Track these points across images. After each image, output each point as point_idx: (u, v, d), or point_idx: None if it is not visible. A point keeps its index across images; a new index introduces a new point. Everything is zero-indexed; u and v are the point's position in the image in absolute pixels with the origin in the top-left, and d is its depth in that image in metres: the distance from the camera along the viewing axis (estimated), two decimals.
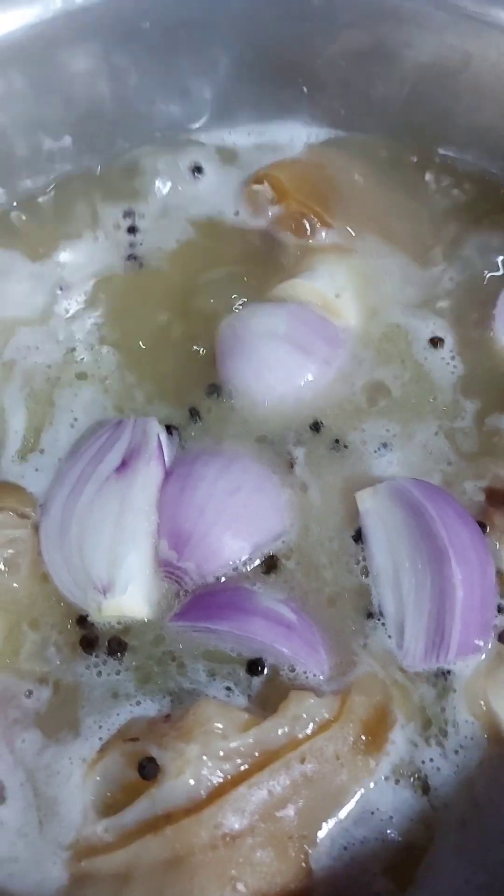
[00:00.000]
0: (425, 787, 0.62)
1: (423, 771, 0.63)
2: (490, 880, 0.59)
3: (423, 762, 0.63)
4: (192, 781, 0.58)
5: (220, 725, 0.60)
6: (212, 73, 0.83)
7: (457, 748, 0.63)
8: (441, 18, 0.74)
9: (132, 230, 0.86)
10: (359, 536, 0.69)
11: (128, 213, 0.87)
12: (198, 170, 0.88)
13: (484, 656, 0.65)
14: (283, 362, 0.76)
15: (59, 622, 0.67)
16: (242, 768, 0.59)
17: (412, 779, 0.62)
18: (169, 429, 0.74)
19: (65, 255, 0.85)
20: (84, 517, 0.68)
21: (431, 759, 0.63)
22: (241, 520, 0.69)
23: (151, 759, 0.58)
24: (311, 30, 0.78)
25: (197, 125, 0.88)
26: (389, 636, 0.66)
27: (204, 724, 0.60)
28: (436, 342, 0.78)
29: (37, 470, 0.74)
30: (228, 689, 0.64)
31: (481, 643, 0.64)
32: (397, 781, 0.62)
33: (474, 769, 0.62)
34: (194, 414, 0.75)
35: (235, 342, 0.77)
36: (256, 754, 0.59)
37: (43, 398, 0.77)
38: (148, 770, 0.58)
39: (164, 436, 0.72)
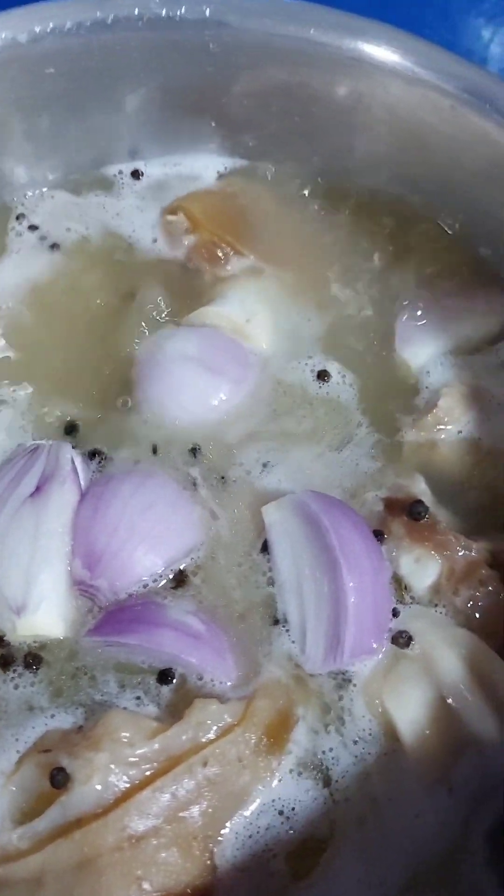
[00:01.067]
0: (326, 780, 0.65)
1: (324, 763, 0.65)
2: (383, 880, 0.61)
3: (323, 752, 0.66)
4: (99, 787, 0.60)
5: (127, 734, 0.62)
6: (120, 113, 0.85)
7: (355, 738, 0.66)
8: (330, 61, 0.78)
9: (54, 247, 0.89)
10: (265, 548, 0.72)
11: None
12: (114, 203, 0.91)
13: (380, 656, 0.67)
14: (195, 383, 0.80)
15: None
16: (148, 773, 0.61)
17: (314, 771, 0.65)
18: (91, 454, 0.76)
19: None
20: (0, 541, 0.71)
21: (331, 749, 0.66)
22: (153, 536, 0.71)
23: (62, 769, 0.61)
24: (213, 72, 0.81)
25: (106, 163, 0.91)
26: (293, 642, 0.69)
27: (112, 733, 0.62)
28: (322, 375, 0.82)
29: None
30: (138, 698, 0.67)
31: (375, 645, 0.67)
32: (300, 773, 0.65)
33: (372, 765, 0.65)
34: (114, 437, 0.78)
35: (151, 365, 0.80)
36: (162, 760, 0.62)
37: None
38: (58, 779, 0.60)
39: (79, 459, 0.75)
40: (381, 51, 0.77)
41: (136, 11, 0.76)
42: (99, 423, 0.80)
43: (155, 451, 0.77)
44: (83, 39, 0.77)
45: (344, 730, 0.67)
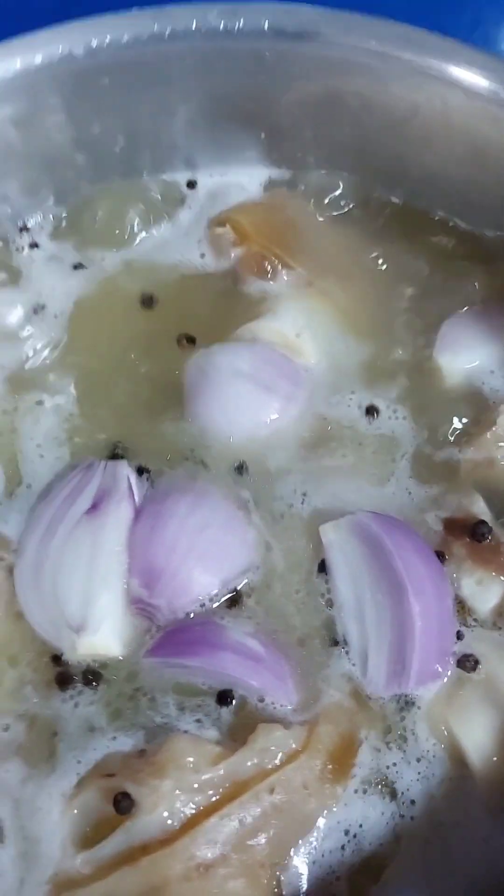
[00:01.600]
0: (392, 794, 0.64)
1: (388, 778, 0.65)
2: None
3: (387, 767, 0.65)
4: (166, 814, 0.59)
5: (191, 759, 0.61)
6: (171, 122, 0.85)
7: (419, 756, 0.65)
8: (386, 71, 0.77)
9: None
10: (323, 568, 0.71)
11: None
12: (164, 214, 0.90)
13: (444, 681, 0.67)
14: (248, 400, 0.78)
15: (35, 659, 0.69)
16: (214, 800, 0.60)
17: (379, 786, 0.64)
18: (139, 470, 0.75)
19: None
20: (57, 559, 0.69)
21: (395, 764, 0.65)
22: (210, 556, 0.70)
23: (126, 795, 0.60)
24: (266, 81, 0.80)
25: (156, 173, 0.90)
26: (353, 665, 0.68)
27: (176, 759, 0.61)
28: (371, 410, 0.80)
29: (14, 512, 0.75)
30: (199, 721, 0.66)
31: (441, 669, 0.66)
32: (365, 791, 0.64)
33: (436, 787, 0.64)
34: (163, 452, 0.77)
35: (202, 380, 0.79)
36: (227, 786, 0.61)
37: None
38: (123, 805, 0.60)
39: (133, 477, 0.74)
40: (440, 63, 0.76)
41: (195, 25, 0.75)
42: (145, 439, 0.79)
43: (202, 468, 0.76)
44: (139, 51, 0.76)
45: (406, 747, 0.66)
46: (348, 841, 0.63)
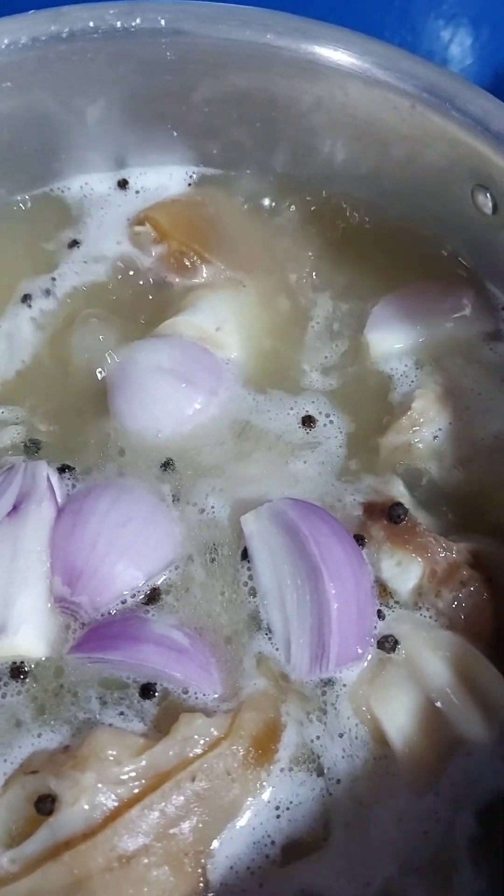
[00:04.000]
0: (319, 770, 0.65)
1: (314, 752, 0.65)
2: (368, 880, 0.61)
3: (311, 740, 0.65)
4: (87, 808, 0.59)
5: (114, 752, 0.61)
6: (81, 127, 0.85)
7: (341, 732, 0.65)
8: (286, 65, 0.77)
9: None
10: (245, 555, 0.71)
11: None
12: (80, 218, 0.91)
13: (366, 664, 0.67)
14: (169, 394, 0.79)
15: None
16: (136, 791, 0.60)
17: (306, 763, 0.65)
18: (62, 468, 0.75)
19: None
20: None
21: (318, 737, 0.65)
22: (132, 550, 0.70)
23: (47, 796, 0.60)
24: (170, 80, 0.81)
25: (70, 176, 0.90)
26: (277, 649, 0.68)
27: (98, 752, 0.61)
28: (308, 421, 0.80)
29: None
30: (122, 714, 0.66)
31: (361, 651, 0.67)
32: (291, 769, 0.64)
33: (359, 768, 0.65)
34: (88, 451, 0.77)
35: (122, 378, 0.80)
36: (150, 776, 0.61)
37: None
38: (43, 806, 0.59)
39: (55, 477, 0.74)
40: (338, 53, 0.76)
41: (91, 24, 0.75)
42: (67, 438, 0.79)
43: (127, 464, 0.76)
44: (39, 53, 0.76)
45: (327, 720, 0.66)
46: (278, 816, 0.63)
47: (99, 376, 0.81)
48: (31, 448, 0.78)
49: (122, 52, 0.78)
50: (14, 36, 0.74)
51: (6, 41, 0.74)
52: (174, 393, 0.79)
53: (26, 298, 0.87)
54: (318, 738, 0.66)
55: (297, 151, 0.87)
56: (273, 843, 0.62)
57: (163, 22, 0.76)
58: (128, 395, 0.79)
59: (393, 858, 0.62)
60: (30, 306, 0.86)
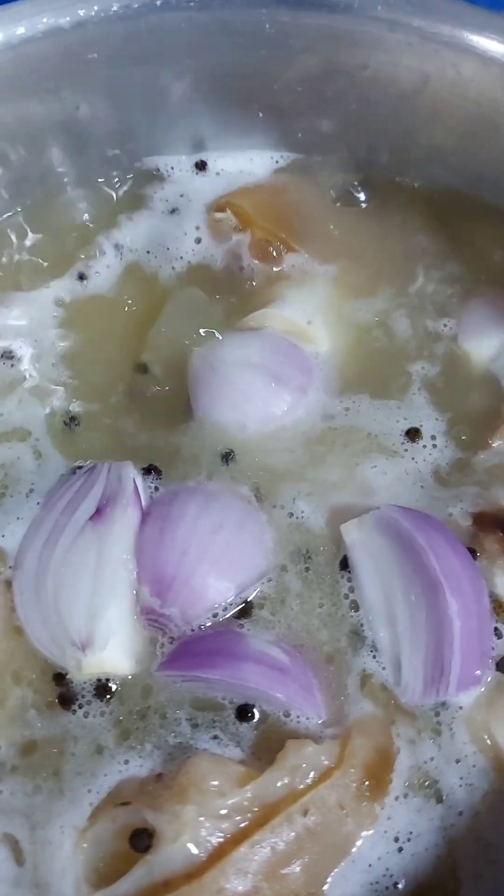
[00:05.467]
0: (438, 796, 0.60)
1: (430, 775, 0.60)
2: None
3: (425, 761, 0.60)
4: (190, 844, 0.54)
5: (216, 783, 0.56)
6: (165, 104, 0.79)
7: (458, 758, 0.60)
8: (396, 41, 0.72)
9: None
10: (344, 566, 0.66)
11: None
12: (160, 200, 0.85)
13: (482, 688, 0.62)
14: (258, 392, 0.73)
15: (37, 679, 0.63)
16: (242, 826, 0.55)
17: (423, 789, 0.60)
18: (147, 469, 0.70)
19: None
20: (59, 570, 0.64)
21: (432, 759, 0.60)
22: (225, 559, 0.65)
23: (143, 830, 0.54)
24: (266, 56, 0.75)
25: (150, 154, 0.85)
26: (384, 669, 0.62)
27: (198, 782, 0.56)
28: (414, 434, 0.74)
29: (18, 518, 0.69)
30: (216, 738, 0.60)
31: (480, 673, 0.61)
32: (406, 795, 0.59)
33: (480, 802, 0.59)
34: (169, 450, 0.72)
35: (208, 373, 0.74)
36: (256, 809, 0.56)
37: None
38: (140, 843, 0.54)
39: (139, 479, 0.68)
40: (453, 28, 0.71)
41: None
42: (151, 438, 0.74)
43: (214, 465, 0.71)
44: (130, 22, 0.71)
45: (441, 743, 0.61)
46: (399, 850, 0.58)
47: (182, 368, 0.76)
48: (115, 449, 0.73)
49: (217, 23, 0.72)
50: (105, 3, 0.69)
51: (96, 7, 0.69)
52: (263, 391, 0.74)
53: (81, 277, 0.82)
54: (431, 759, 0.60)
55: (394, 135, 0.81)
56: (395, 883, 0.57)
57: None
58: (213, 392, 0.74)
59: None
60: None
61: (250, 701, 0.61)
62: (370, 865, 0.57)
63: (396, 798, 0.59)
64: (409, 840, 0.58)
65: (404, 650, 0.62)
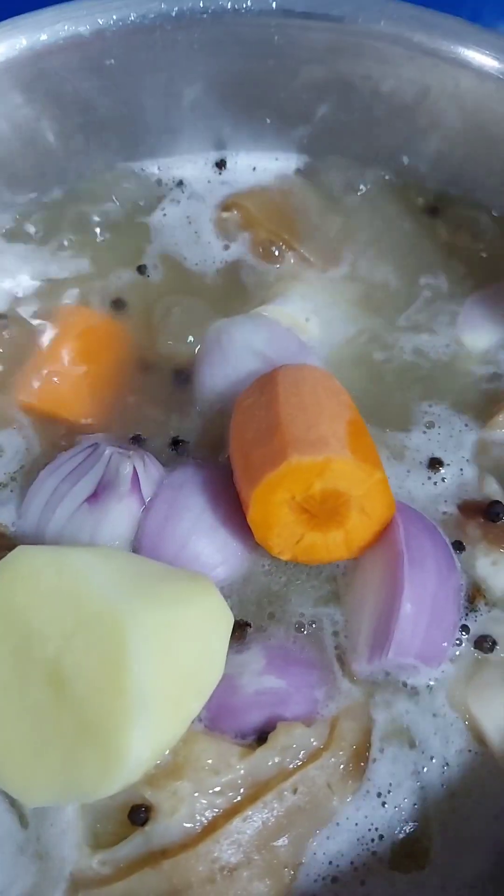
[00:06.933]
0: (411, 742, 0.62)
1: (404, 725, 0.62)
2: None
3: (401, 714, 0.63)
4: (186, 818, 0.56)
5: (210, 761, 0.57)
6: (176, 108, 0.80)
7: (435, 713, 0.63)
8: (398, 54, 0.72)
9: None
10: None
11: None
12: (168, 200, 0.86)
13: (441, 666, 0.63)
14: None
15: None
16: (235, 801, 0.57)
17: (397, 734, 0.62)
18: (173, 442, 0.72)
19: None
20: (57, 538, 0.65)
21: (408, 712, 0.63)
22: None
23: (140, 806, 0.56)
24: (274, 66, 0.76)
25: (162, 157, 0.85)
26: (346, 637, 0.64)
27: (194, 760, 0.57)
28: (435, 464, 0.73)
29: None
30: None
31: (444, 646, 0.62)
32: (381, 750, 0.61)
33: (454, 756, 0.62)
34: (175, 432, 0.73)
35: (215, 349, 0.75)
36: (248, 786, 0.58)
37: None
38: (138, 817, 0.56)
39: (142, 463, 0.68)
40: (454, 44, 0.72)
41: (202, 4, 0.70)
42: (158, 422, 0.75)
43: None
44: (146, 32, 0.71)
45: (419, 701, 0.63)
46: (382, 804, 0.60)
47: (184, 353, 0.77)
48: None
49: (228, 34, 0.73)
50: (123, 12, 0.70)
51: (115, 17, 0.69)
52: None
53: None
54: (407, 713, 0.62)
55: (395, 143, 0.81)
56: (380, 836, 0.59)
57: (274, 4, 0.71)
58: (215, 367, 0.74)
59: (487, 856, 0.59)
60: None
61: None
62: (356, 825, 0.59)
63: (374, 760, 0.61)
64: (389, 792, 0.60)
65: (363, 621, 0.63)
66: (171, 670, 0.54)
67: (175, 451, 0.72)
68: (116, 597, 0.53)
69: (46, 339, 0.77)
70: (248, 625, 0.65)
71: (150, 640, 0.52)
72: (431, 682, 0.63)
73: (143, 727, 0.51)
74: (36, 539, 0.66)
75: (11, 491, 0.71)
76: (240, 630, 0.64)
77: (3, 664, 0.54)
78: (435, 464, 0.71)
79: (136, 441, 0.72)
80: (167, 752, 0.58)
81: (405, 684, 0.63)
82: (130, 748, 0.50)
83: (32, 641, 0.53)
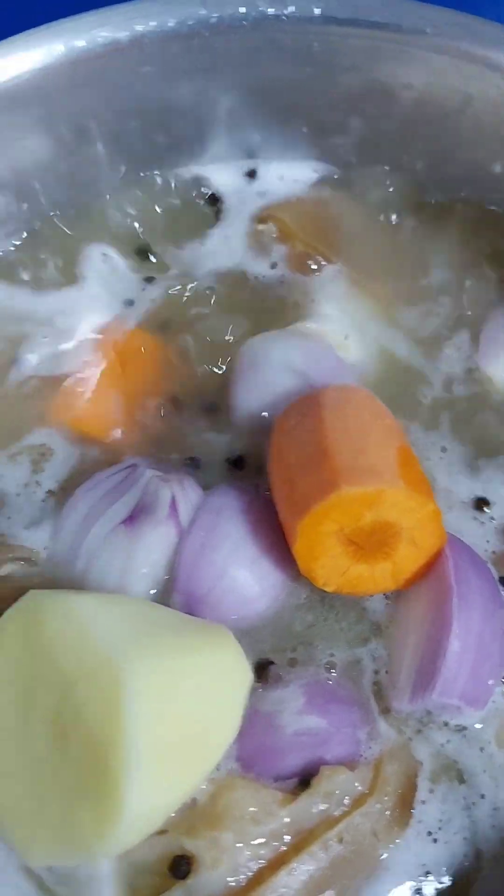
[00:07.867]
0: (460, 777, 0.58)
1: (449, 757, 0.59)
2: None
3: (442, 745, 0.59)
4: (229, 871, 0.52)
5: (252, 808, 0.53)
6: (212, 117, 0.76)
7: (482, 746, 0.59)
8: (441, 62, 0.68)
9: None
10: None
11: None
12: (204, 208, 0.82)
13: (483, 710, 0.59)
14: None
15: None
16: (279, 851, 0.53)
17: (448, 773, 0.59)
18: (235, 461, 0.69)
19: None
20: (91, 557, 0.62)
21: (448, 742, 0.59)
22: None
23: (181, 857, 0.52)
24: (312, 73, 0.71)
25: (197, 168, 0.81)
26: (386, 673, 0.61)
27: (234, 808, 0.53)
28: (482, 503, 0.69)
29: None
30: None
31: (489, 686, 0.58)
32: (431, 791, 0.58)
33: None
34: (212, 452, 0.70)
35: (250, 365, 0.71)
36: (292, 834, 0.54)
37: None
38: (179, 870, 0.52)
39: (181, 488, 0.64)
40: (499, 52, 0.67)
41: (242, 10, 0.66)
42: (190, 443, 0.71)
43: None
44: (184, 38, 0.67)
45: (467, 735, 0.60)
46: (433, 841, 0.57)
47: (219, 370, 0.74)
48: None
49: (267, 41, 0.69)
50: (161, 18, 0.65)
51: (153, 23, 0.65)
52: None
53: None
54: (448, 742, 0.59)
55: (435, 152, 0.77)
56: (426, 872, 0.56)
57: (317, 11, 0.67)
58: (250, 384, 0.70)
59: None
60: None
61: None
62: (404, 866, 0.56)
63: (424, 802, 0.58)
64: (439, 829, 0.57)
65: (406, 657, 0.60)
66: (175, 726, 0.50)
67: (212, 472, 0.69)
68: (117, 647, 0.49)
69: (86, 357, 0.74)
70: (272, 663, 0.61)
71: (151, 694, 0.49)
72: (478, 725, 0.59)
73: (140, 784, 0.47)
74: (67, 562, 0.63)
75: (47, 510, 0.68)
76: (264, 669, 0.61)
77: (9, 712, 0.51)
78: (481, 503, 0.68)
79: (177, 463, 0.69)
80: (206, 799, 0.54)
81: (446, 724, 0.59)
82: (125, 806, 0.47)
83: (37, 690, 0.50)
